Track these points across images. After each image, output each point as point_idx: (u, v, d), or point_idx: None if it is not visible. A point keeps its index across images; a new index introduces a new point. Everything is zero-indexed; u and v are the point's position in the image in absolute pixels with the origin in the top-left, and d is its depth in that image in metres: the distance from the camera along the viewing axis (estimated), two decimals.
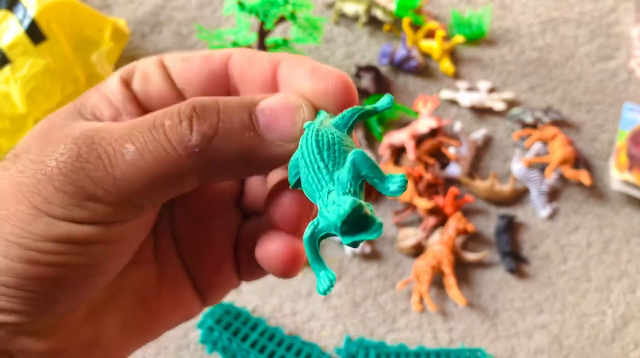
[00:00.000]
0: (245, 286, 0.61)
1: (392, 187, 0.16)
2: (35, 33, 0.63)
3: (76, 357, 0.19)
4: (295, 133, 0.18)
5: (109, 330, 0.20)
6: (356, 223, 0.15)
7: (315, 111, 0.19)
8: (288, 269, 0.20)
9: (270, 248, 0.20)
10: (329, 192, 0.17)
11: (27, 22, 0.63)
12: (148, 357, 0.57)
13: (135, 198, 0.17)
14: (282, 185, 0.20)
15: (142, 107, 0.19)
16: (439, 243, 0.59)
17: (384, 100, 0.20)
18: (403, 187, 0.16)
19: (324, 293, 0.16)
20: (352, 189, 0.16)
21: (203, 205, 0.22)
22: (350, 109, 0.19)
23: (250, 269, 0.22)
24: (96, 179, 0.16)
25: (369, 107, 0.19)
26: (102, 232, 0.17)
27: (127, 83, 0.20)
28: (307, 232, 0.17)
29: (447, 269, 0.56)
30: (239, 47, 0.22)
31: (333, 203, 0.16)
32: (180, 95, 0.20)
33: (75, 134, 0.17)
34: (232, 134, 0.17)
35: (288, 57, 0.19)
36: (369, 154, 0.75)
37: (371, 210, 0.16)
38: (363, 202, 0.16)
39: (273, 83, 0.19)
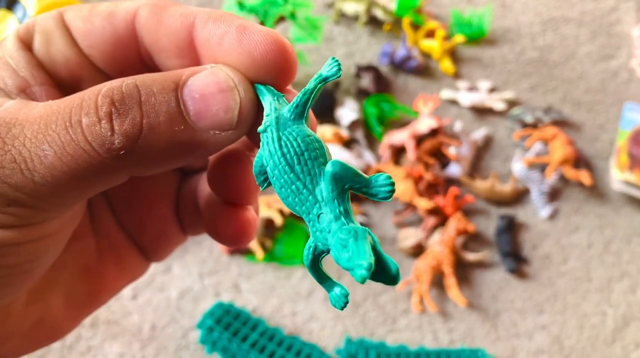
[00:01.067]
0: (245, 286, 0.61)
1: (381, 193, 0.16)
2: None
3: (23, 340, 0.19)
4: (231, 119, 0.15)
5: (53, 308, 0.20)
6: (374, 274, 0.15)
7: (251, 84, 0.17)
8: (241, 241, 0.19)
9: (221, 224, 0.19)
10: (318, 216, 0.16)
11: (26, 21, 0.63)
12: (147, 357, 0.57)
13: (59, 199, 0.16)
14: (222, 161, 0.18)
15: (48, 72, 0.17)
16: (439, 244, 0.59)
17: (331, 67, 0.17)
18: (391, 191, 0.15)
19: (342, 309, 0.16)
20: (341, 209, 0.15)
21: None
22: (301, 92, 0.17)
23: (194, 225, 0.22)
24: (14, 185, 0.14)
25: (316, 81, 0.17)
26: (29, 233, 0.16)
27: (27, 45, 0.17)
28: (307, 258, 0.16)
29: (448, 269, 0.56)
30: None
31: (329, 231, 0.15)
32: (87, 62, 0.18)
33: None
34: (159, 130, 0.14)
35: (204, 14, 0.16)
36: (369, 154, 0.73)
37: (376, 242, 0.15)
38: (371, 248, 0.15)
39: (190, 48, 0.16)
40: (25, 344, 0.19)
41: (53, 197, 0.15)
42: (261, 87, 0.17)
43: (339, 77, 0.17)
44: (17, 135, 0.14)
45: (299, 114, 0.17)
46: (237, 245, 0.19)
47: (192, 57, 0.17)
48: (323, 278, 0.17)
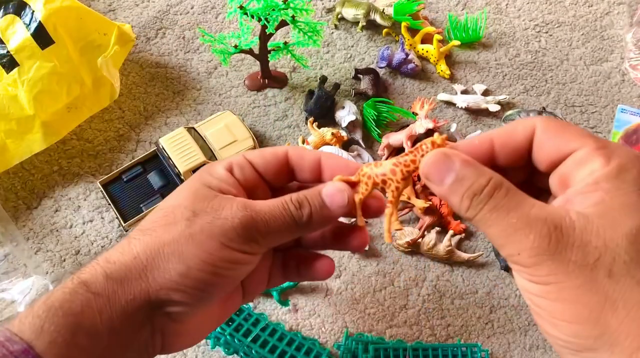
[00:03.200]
0: None
1: None
2: (42, 37, 0.64)
3: (189, 337, 0.32)
4: (344, 203, 0.30)
5: (207, 322, 0.33)
6: None
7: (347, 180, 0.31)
8: (329, 274, 0.35)
9: (325, 264, 0.35)
10: None
11: (34, 26, 0.64)
12: None
13: (271, 242, 0.30)
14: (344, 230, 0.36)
15: (240, 185, 0.32)
16: (394, 163, 0.32)
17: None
18: None
19: None
20: None
21: None
22: None
23: (274, 281, 0.36)
24: (260, 231, 0.29)
25: None
26: (251, 259, 0.30)
27: (230, 171, 0.32)
28: None
29: (390, 196, 0.35)
30: (295, 146, 0.39)
31: None
32: (260, 178, 0.33)
33: (240, 204, 0.29)
34: (316, 211, 0.31)
35: (325, 154, 0.33)
36: (367, 154, 0.74)
37: None
38: None
39: (318, 167, 0.33)
40: (191, 341, 0.33)
41: (269, 239, 0.30)
42: None
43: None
44: (260, 212, 0.29)
45: None
46: (326, 278, 0.36)
47: (317, 173, 0.33)
48: None
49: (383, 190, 0.32)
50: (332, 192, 0.31)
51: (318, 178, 0.33)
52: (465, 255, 0.64)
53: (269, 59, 0.73)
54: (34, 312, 0.26)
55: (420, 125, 0.68)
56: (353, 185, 0.32)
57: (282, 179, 0.34)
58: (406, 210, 0.67)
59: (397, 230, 0.33)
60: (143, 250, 0.28)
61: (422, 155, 0.29)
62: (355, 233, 0.34)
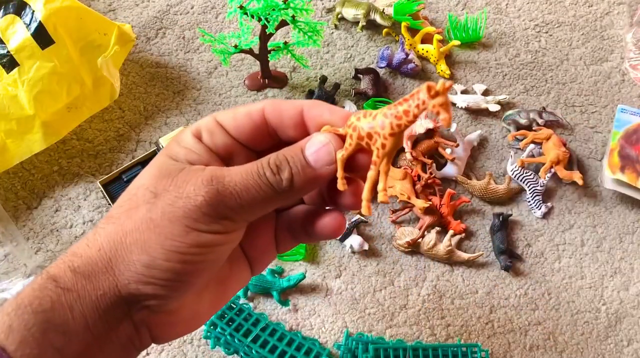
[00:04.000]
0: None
1: None
2: (42, 37, 0.64)
3: (182, 325, 0.29)
4: (332, 158, 0.26)
5: (203, 305, 0.29)
6: None
7: (334, 131, 0.27)
8: (340, 231, 0.29)
9: (330, 220, 0.29)
10: None
11: (34, 26, 0.64)
12: (152, 352, 0.58)
13: (248, 216, 0.26)
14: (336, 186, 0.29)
15: (214, 153, 0.28)
16: (384, 113, 0.26)
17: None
18: None
19: None
20: None
21: None
22: None
23: (284, 245, 0.32)
24: (230, 206, 0.25)
25: None
26: (227, 238, 0.26)
27: (198, 137, 0.28)
28: None
29: (375, 155, 0.28)
30: (272, 99, 0.28)
31: None
32: (237, 142, 0.28)
33: (206, 177, 0.25)
34: (297, 173, 0.26)
35: (308, 103, 0.28)
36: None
37: None
38: None
39: (301, 121, 0.28)
40: (186, 328, 0.29)
41: (244, 214, 0.26)
42: None
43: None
44: (230, 181, 0.25)
45: None
46: (335, 236, 0.30)
47: (302, 127, 0.28)
48: None
49: (369, 147, 0.25)
50: (316, 147, 0.26)
51: (305, 134, 0.28)
52: (465, 255, 0.64)
53: (269, 59, 0.73)
54: (3, 310, 0.24)
55: (421, 125, 0.68)
56: (343, 138, 0.26)
57: (262, 141, 0.29)
58: (406, 210, 0.67)
59: (381, 202, 0.25)
60: (106, 241, 0.26)
61: (417, 105, 0.22)
62: (344, 191, 0.27)
